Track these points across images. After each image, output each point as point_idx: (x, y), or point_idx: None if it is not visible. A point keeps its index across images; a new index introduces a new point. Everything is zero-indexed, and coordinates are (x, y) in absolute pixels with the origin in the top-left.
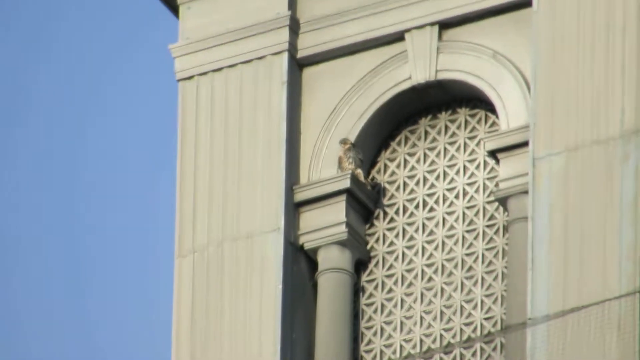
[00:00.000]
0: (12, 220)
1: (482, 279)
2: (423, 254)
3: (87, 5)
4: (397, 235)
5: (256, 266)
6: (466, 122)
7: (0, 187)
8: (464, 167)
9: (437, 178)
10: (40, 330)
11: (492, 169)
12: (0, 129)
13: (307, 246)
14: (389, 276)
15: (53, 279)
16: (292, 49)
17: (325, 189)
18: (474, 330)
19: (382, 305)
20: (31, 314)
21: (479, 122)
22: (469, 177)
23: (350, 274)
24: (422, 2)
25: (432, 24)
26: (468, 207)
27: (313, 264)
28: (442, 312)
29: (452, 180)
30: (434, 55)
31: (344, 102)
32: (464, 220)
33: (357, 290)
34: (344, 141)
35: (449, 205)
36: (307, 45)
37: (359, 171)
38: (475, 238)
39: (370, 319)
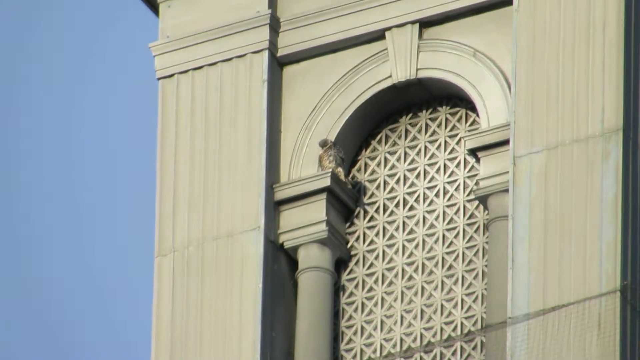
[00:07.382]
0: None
1: (463, 277)
2: (403, 253)
3: (66, 3)
4: (377, 234)
5: (236, 265)
6: (447, 120)
7: None
8: (445, 165)
9: (418, 176)
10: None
11: (473, 167)
12: None
13: (287, 245)
14: (370, 275)
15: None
16: (273, 47)
17: (305, 187)
18: (455, 329)
19: (363, 304)
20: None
21: (459, 120)
22: (450, 176)
23: (330, 273)
24: (402, 0)
25: (412, 23)
26: (448, 206)
27: (293, 263)
28: (422, 311)
29: (432, 178)
30: (414, 54)
31: (325, 100)
32: (444, 219)
33: (337, 289)
34: (323, 142)
35: (429, 204)
36: (288, 43)
37: (340, 170)
38: (456, 237)
39: (350, 317)
